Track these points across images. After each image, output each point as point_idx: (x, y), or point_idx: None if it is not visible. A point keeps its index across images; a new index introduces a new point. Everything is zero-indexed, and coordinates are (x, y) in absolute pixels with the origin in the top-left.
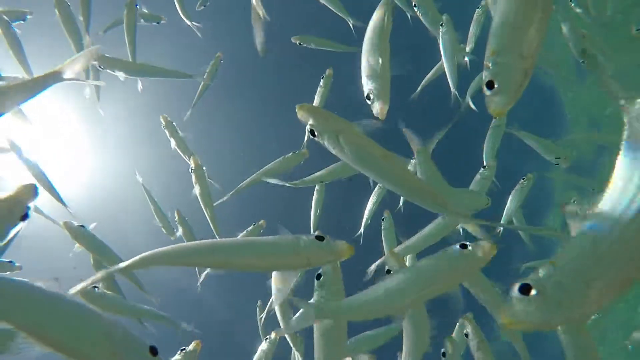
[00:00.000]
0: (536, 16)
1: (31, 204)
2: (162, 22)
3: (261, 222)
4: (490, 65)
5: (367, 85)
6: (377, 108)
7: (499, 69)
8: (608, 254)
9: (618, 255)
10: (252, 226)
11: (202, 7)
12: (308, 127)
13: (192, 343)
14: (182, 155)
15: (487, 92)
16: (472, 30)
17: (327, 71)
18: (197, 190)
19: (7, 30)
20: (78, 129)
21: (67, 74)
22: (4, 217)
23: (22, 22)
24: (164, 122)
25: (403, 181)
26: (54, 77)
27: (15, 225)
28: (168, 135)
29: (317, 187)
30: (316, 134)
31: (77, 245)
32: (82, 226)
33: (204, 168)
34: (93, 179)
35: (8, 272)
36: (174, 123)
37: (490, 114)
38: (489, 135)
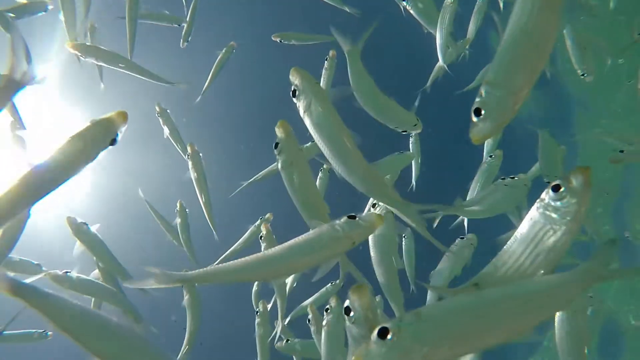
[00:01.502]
0: (534, 59)
1: (121, 131)
2: (182, 24)
3: (268, 215)
4: (483, 93)
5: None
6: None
7: (489, 100)
8: (461, 322)
9: (470, 327)
10: (259, 220)
11: (186, 44)
12: (292, 87)
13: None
14: (174, 144)
15: (474, 119)
16: (473, 23)
17: (330, 52)
18: (193, 175)
19: (10, 26)
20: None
21: (21, 77)
22: (99, 138)
23: (43, 13)
24: (158, 110)
25: (352, 163)
26: (11, 88)
27: (105, 148)
28: (162, 124)
29: (320, 174)
30: (297, 94)
31: (78, 243)
32: (84, 223)
33: (201, 154)
34: (93, 176)
35: (37, 276)
36: (168, 110)
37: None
38: None
